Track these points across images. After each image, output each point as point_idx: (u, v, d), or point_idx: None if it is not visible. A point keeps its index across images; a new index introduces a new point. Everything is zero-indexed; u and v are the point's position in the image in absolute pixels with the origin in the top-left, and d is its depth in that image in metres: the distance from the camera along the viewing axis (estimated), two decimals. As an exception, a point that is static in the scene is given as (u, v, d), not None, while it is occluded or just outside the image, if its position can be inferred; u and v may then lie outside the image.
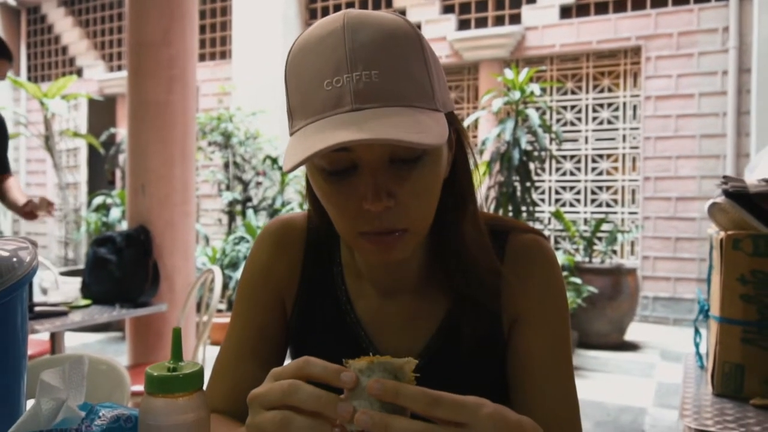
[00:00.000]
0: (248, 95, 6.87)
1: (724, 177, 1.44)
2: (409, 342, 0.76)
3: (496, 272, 0.74)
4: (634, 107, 6.20)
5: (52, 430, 0.60)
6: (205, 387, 0.63)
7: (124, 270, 2.66)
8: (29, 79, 9.44)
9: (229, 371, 0.79)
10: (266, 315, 0.81)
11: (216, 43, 8.10)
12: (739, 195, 1.40)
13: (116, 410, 0.66)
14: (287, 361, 0.83)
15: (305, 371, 0.51)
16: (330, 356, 0.78)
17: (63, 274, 5.02)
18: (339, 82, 0.59)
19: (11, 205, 2.74)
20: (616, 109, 6.27)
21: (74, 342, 5.03)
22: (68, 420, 0.61)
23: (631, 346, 5.13)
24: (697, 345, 1.65)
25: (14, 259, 0.77)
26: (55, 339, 2.44)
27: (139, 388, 2.26)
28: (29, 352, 2.93)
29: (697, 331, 1.63)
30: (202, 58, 8.00)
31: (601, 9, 6.27)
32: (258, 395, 0.52)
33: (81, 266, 5.79)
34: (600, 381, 4.21)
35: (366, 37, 0.60)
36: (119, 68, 8.78)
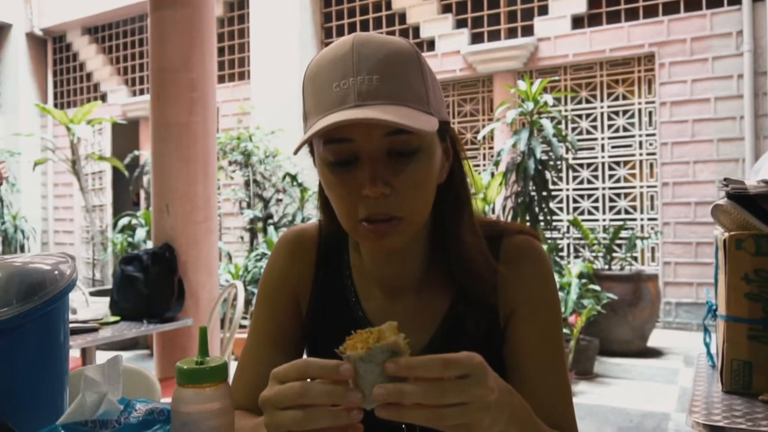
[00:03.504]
0: (267, 114, 7.02)
1: (725, 179, 1.47)
2: (414, 337, 0.82)
3: (493, 270, 0.80)
4: (650, 113, 6.20)
5: (96, 421, 0.67)
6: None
7: (150, 287, 2.76)
8: (56, 105, 9.73)
9: (251, 368, 0.86)
10: (284, 316, 0.89)
11: (235, 64, 8.29)
12: (741, 196, 1.44)
13: (150, 404, 0.73)
14: (304, 357, 0.90)
15: (306, 374, 0.57)
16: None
17: (91, 294, 5.15)
18: (345, 84, 0.69)
19: None
20: (632, 116, 6.27)
21: (103, 359, 5.14)
22: (109, 412, 0.68)
23: (654, 353, 5.10)
24: (707, 345, 1.68)
25: (56, 272, 0.86)
26: (86, 354, 2.53)
27: (168, 400, 2.34)
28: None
29: (706, 331, 1.67)
30: (221, 79, 8.19)
31: (613, 18, 6.31)
32: (270, 398, 0.58)
33: (108, 286, 5.93)
34: (623, 388, 4.20)
35: (371, 50, 0.70)
36: (141, 92, 9.03)
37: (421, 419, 0.54)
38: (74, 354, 2.98)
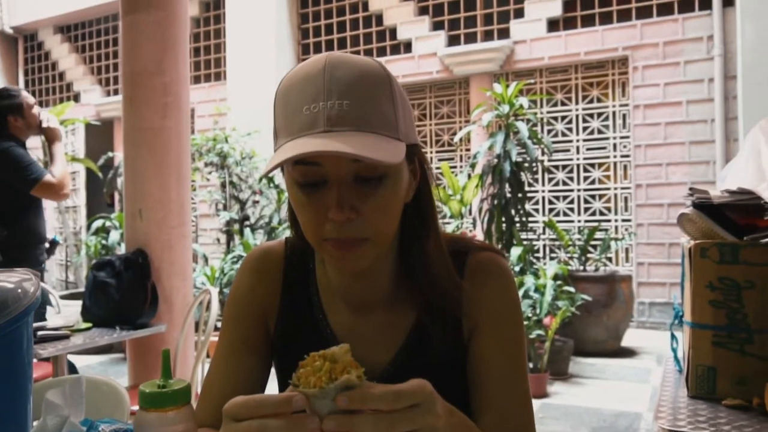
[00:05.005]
0: (243, 116, 6.97)
1: (691, 189, 1.51)
2: (380, 352, 0.83)
3: (458, 286, 0.82)
4: (624, 116, 6.29)
5: (57, 445, 0.67)
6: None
7: (123, 293, 2.72)
8: (27, 105, 9.53)
9: (217, 388, 0.86)
10: (251, 334, 0.89)
11: (211, 64, 8.22)
12: (706, 205, 1.47)
13: (114, 425, 0.73)
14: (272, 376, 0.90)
15: (258, 413, 0.57)
16: None
17: (64, 297, 5.07)
18: (316, 108, 0.69)
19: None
20: (606, 119, 6.36)
21: (77, 364, 5.04)
22: (71, 435, 0.68)
23: (628, 352, 5.18)
24: (674, 350, 1.71)
25: (19, 290, 0.84)
26: (57, 362, 2.49)
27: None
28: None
29: (673, 336, 1.70)
30: (197, 79, 8.11)
31: (588, 21, 6.39)
32: None
33: (81, 289, 5.84)
34: (597, 388, 4.26)
35: (342, 74, 0.71)
36: (116, 92, 8.90)
37: None
38: (45, 362, 2.93)
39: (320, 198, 0.72)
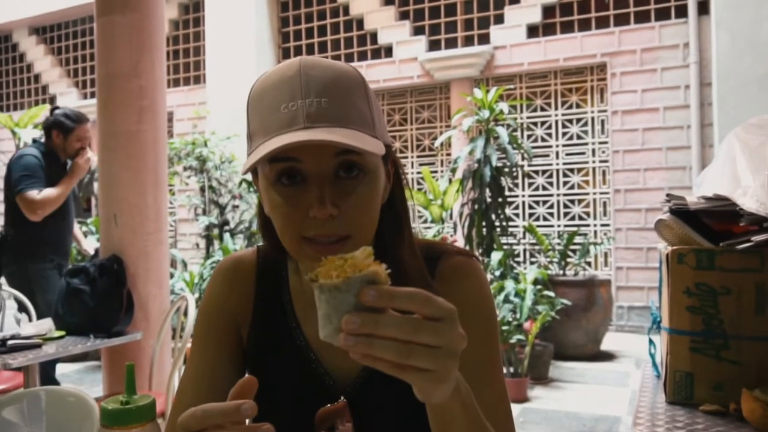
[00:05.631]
0: (223, 119, 6.92)
1: (668, 195, 1.51)
2: (354, 361, 0.81)
3: (430, 289, 0.80)
4: (602, 122, 6.35)
5: (14, 464, 0.64)
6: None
7: (97, 300, 2.67)
8: (0, 108, 9.38)
9: (189, 398, 0.84)
10: (223, 345, 0.86)
11: (190, 68, 8.14)
12: (682, 212, 1.48)
13: (77, 443, 0.70)
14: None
15: (206, 421, 0.55)
16: (283, 377, 0.84)
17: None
18: (294, 106, 0.69)
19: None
20: (585, 124, 6.42)
21: (59, 372, 4.96)
22: (30, 454, 0.65)
23: (607, 356, 5.22)
24: (652, 355, 1.72)
25: (-21, 301, 0.81)
26: (28, 372, 2.43)
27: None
28: (2, 386, 2.90)
29: (651, 342, 1.71)
30: (176, 83, 8.04)
31: (567, 27, 6.45)
32: None
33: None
34: (576, 392, 4.27)
35: (318, 74, 0.71)
36: (93, 95, 8.77)
37: (391, 352, 0.51)
38: (17, 371, 2.86)
39: (298, 196, 0.71)
